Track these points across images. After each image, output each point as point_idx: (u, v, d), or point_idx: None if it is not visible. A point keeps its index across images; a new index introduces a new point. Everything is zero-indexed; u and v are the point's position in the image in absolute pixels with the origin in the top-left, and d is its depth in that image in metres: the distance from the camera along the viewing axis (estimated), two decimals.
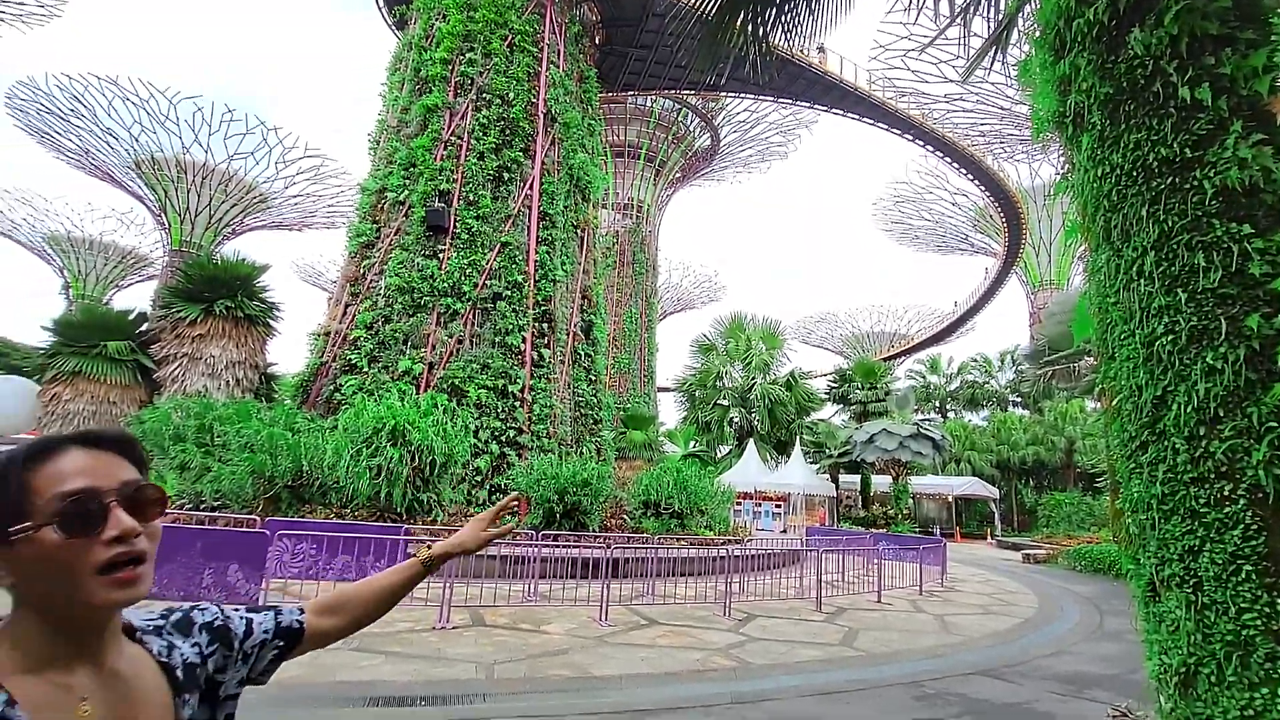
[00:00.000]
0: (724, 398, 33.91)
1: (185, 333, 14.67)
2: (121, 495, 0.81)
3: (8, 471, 0.78)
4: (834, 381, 37.08)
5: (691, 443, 33.71)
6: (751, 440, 30.64)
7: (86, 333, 14.86)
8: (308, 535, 9.05)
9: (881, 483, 32.98)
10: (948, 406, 50.38)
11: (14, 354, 39.26)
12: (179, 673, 0.89)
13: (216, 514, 10.19)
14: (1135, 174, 2.98)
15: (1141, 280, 2.90)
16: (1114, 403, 3.10)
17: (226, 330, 14.99)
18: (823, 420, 37.31)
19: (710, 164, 47.93)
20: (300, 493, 11.32)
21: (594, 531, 13.14)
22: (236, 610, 1.03)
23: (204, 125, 36.44)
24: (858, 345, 65.31)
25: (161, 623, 0.93)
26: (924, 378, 50.73)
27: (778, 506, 28.77)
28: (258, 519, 10.04)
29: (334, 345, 16.08)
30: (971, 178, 41.01)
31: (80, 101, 34.72)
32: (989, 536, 31.70)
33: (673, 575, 11.21)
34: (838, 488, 33.19)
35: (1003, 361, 47.72)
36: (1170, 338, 2.78)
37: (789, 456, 30.00)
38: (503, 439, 15.05)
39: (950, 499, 34.32)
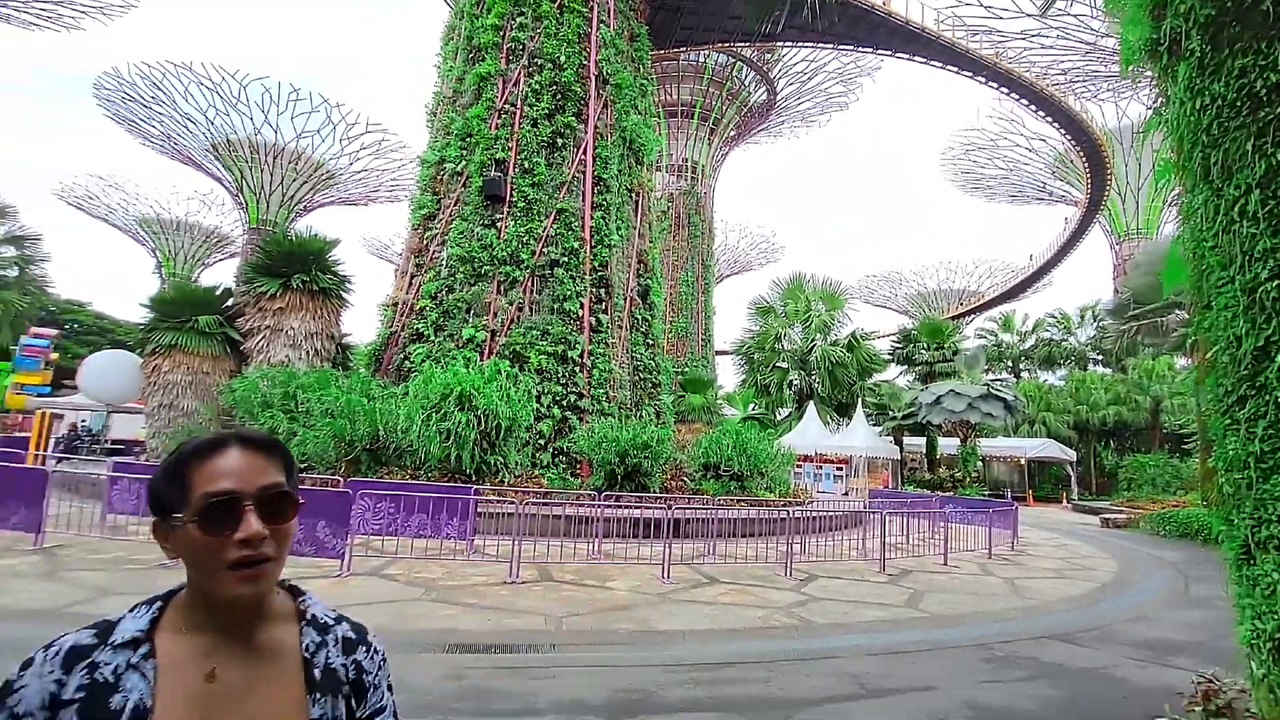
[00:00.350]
0: (783, 360, 33.43)
1: (267, 306, 15.56)
2: (257, 499, 0.88)
3: (178, 463, 0.90)
4: (898, 342, 35.94)
5: (750, 406, 33.55)
6: (811, 403, 30.21)
7: (179, 308, 15.96)
8: (386, 495, 9.60)
9: (948, 445, 32.05)
10: (1021, 366, 48.16)
11: (117, 330, 42.67)
12: (316, 672, 0.93)
13: (303, 475, 10.92)
14: (1239, 104, 2.72)
15: (1244, 221, 2.68)
16: (1209, 355, 2.91)
17: (304, 303, 15.79)
18: (886, 382, 36.30)
19: (766, 119, 46.38)
20: (378, 455, 11.97)
21: (655, 493, 13.37)
22: (389, 690, 1.03)
23: (272, 106, 37.78)
24: (924, 304, 62.87)
25: (332, 624, 1.00)
26: (996, 336, 48.55)
27: (839, 469, 28.45)
28: (340, 479, 10.71)
29: (402, 315, 16.69)
30: (1050, 120, 38.19)
31: (160, 89, 36.53)
32: (1064, 500, 30.48)
33: (733, 536, 11.32)
34: (902, 450, 32.46)
35: (1083, 317, 45.05)
36: (1276, 283, 2.57)
37: (850, 419, 29.47)
38: (564, 403, 15.37)
39: (1022, 461, 33.05)
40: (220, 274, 54.87)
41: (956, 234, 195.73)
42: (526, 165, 16.80)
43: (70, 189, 46.71)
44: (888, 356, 34.79)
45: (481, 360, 14.77)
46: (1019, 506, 16.39)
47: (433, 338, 15.71)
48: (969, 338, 44.31)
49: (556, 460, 14.85)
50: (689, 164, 42.69)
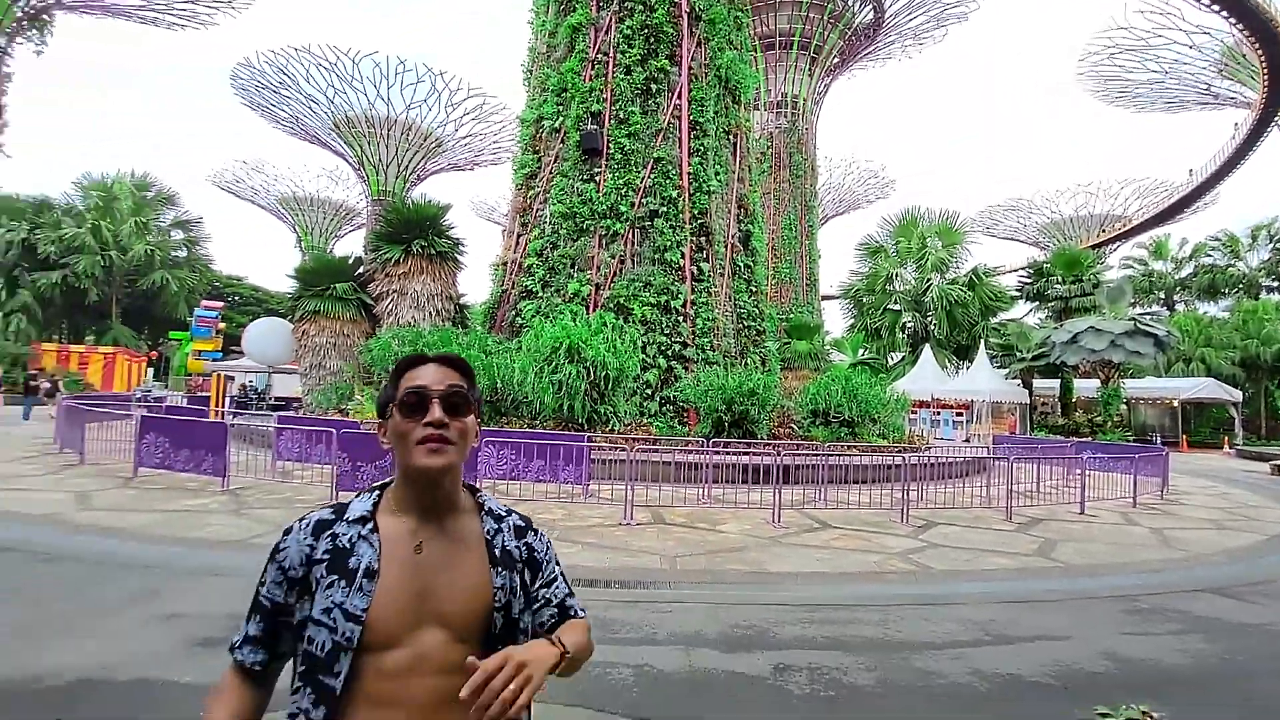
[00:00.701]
0: (895, 302, 31.83)
1: (392, 271, 16.83)
2: (442, 396, 1.12)
3: (395, 373, 1.18)
4: (1027, 276, 33.10)
5: (860, 350, 32.34)
6: (927, 346, 28.71)
7: (319, 278, 17.60)
8: (508, 442, 10.28)
9: (1087, 388, 29.45)
10: (1176, 297, 42.96)
11: (270, 300, 47.69)
12: (496, 551, 1.17)
13: None
14: None
15: None
16: None
17: (424, 266, 16.92)
18: (1012, 320, 33.64)
19: (873, 41, 42.84)
20: (497, 406, 12.77)
21: (762, 440, 13.37)
22: (558, 564, 1.27)
23: (383, 80, 39.62)
24: (1057, 233, 56.88)
25: (505, 515, 1.23)
26: (1145, 265, 43.54)
27: (959, 415, 27.07)
28: None
29: (511, 274, 17.40)
30: (1218, 8, 32.61)
31: (285, 74, 39.25)
32: (1227, 445, 27.30)
33: (844, 482, 11.13)
34: (1031, 394, 30.21)
35: (1254, 238, 39.26)
36: None
37: (971, 362, 27.76)
38: (669, 353, 15.56)
39: (1176, 404, 29.84)
40: (351, 244, 59.33)
41: (1097, 151, 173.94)
42: (621, 115, 16.69)
43: (221, 174, 51.81)
44: (1015, 293, 32.19)
45: (588, 314, 15.19)
46: (1170, 452, 14.90)
47: (540, 294, 16.31)
48: (1112, 268, 39.99)
49: (664, 409, 15.16)
50: (788, 99, 40.47)
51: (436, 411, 1.11)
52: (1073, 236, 54.29)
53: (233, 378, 24.59)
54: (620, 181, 16.38)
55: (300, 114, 41.75)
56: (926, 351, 28.01)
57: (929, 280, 29.97)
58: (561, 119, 17.16)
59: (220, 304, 24.17)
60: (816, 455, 11.66)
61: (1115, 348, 24.58)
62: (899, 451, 12.49)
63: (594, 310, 15.42)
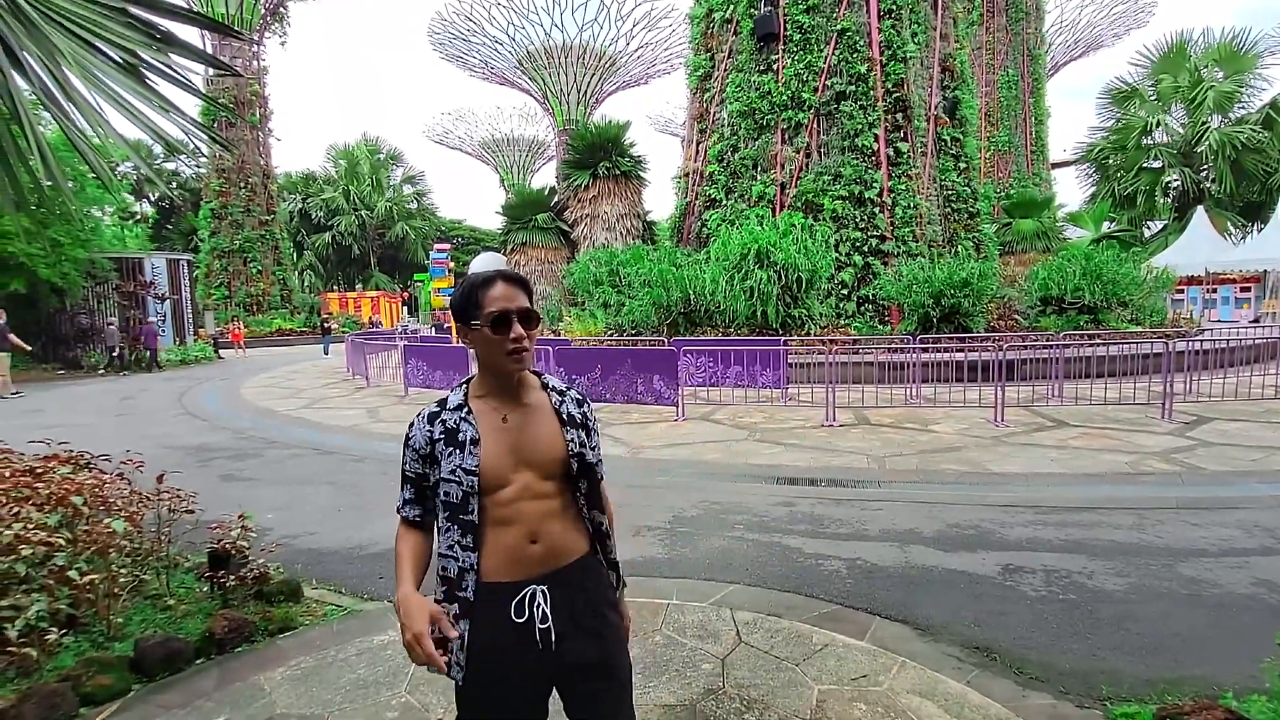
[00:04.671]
0: (1155, 158, 26.05)
1: (583, 196, 17.78)
2: (518, 314, 1.41)
3: (471, 289, 1.45)
4: None
5: (1106, 223, 27.26)
6: (1200, 208, 23.29)
7: (521, 211, 19.21)
8: (705, 350, 10.60)
9: None
10: None
11: (486, 237, 52.94)
12: (564, 414, 1.51)
13: (637, 338, 12.64)
14: None
15: None
16: None
17: (610, 188, 17.60)
18: None
19: None
20: (691, 317, 13.11)
21: (978, 334, 12.19)
22: (599, 433, 1.60)
23: (555, 6, 40.04)
24: None
25: (564, 389, 1.58)
26: None
27: (1243, 290, 22.03)
28: (664, 340, 12.09)
29: (694, 184, 17.24)
30: None
31: (470, 19, 41.36)
32: None
33: (1084, 376, 9.85)
34: None
35: None
36: None
37: (1265, 222, 22.05)
38: (864, 249, 14.53)
39: None
40: (545, 176, 62.81)
41: None
42: None
43: (432, 128, 57.22)
44: None
45: (774, 215, 14.66)
46: None
47: (724, 201, 16.00)
48: None
49: (862, 309, 14.38)
50: None
51: (519, 329, 1.41)
52: None
53: None
54: (800, 65, 15.11)
55: (488, 57, 43.92)
56: (1199, 215, 22.76)
57: (1204, 124, 23.90)
58: (731, 7, 16.09)
59: (448, 245, 27.28)
60: (1048, 347, 10.38)
61: None
62: (1158, 338, 10.62)
63: (780, 211, 14.81)
